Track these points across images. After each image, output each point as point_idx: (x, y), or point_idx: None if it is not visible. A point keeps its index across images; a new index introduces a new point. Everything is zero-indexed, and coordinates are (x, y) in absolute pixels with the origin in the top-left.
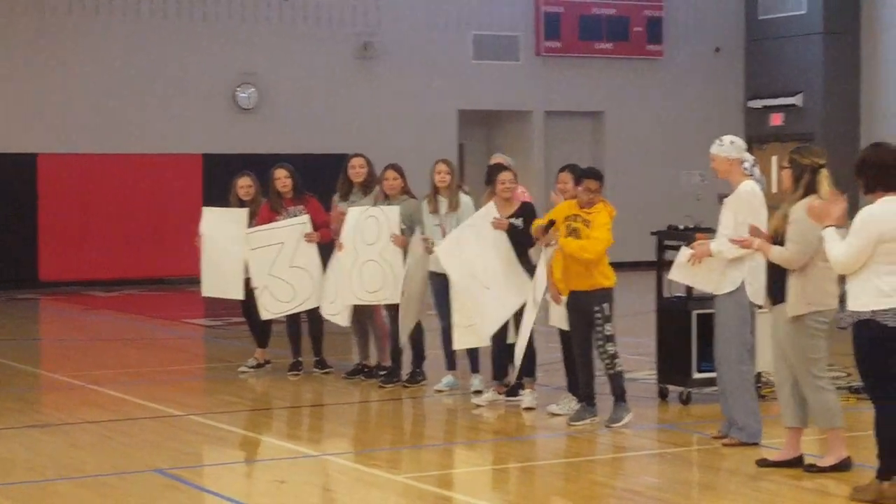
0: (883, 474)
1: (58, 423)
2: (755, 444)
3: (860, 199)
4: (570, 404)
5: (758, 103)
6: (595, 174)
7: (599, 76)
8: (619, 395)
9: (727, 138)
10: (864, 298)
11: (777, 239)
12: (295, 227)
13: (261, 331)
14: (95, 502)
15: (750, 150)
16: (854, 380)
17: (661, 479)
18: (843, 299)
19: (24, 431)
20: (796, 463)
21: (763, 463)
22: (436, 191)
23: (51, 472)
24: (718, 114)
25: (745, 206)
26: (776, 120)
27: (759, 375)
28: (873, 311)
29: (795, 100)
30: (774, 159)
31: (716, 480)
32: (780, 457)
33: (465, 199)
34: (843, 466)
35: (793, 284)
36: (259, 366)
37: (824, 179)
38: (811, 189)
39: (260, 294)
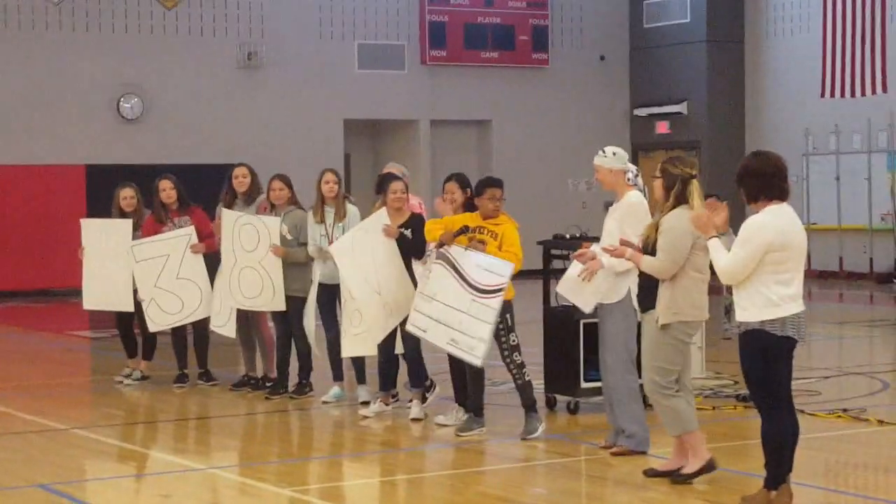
0: (770, 483)
1: None
2: (643, 452)
3: (747, 209)
4: (458, 415)
5: (643, 111)
6: (498, 183)
7: (485, 85)
8: (530, 406)
9: (609, 149)
10: (753, 309)
11: (648, 248)
12: (180, 238)
13: (145, 343)
14: None
15: (636, 158)
16: (741, 388)
17: (550, 490)
18: (729, 309)
19: None
20: (712, 466)
21: (651, 473)
22: (322, 200)
23: None
24: (604, 122)
25: (631, 216)
26: (662, 128)
27: None
28: (761, 322)
29: (681, 108)
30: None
31: (603, 491)
32: (667, 466)
33: (351, 209)
34: (708, 468)
35: (662, 294)
36: (134, 375)
37: (695, 190)
38: (682, 199)
39: (147, 306)
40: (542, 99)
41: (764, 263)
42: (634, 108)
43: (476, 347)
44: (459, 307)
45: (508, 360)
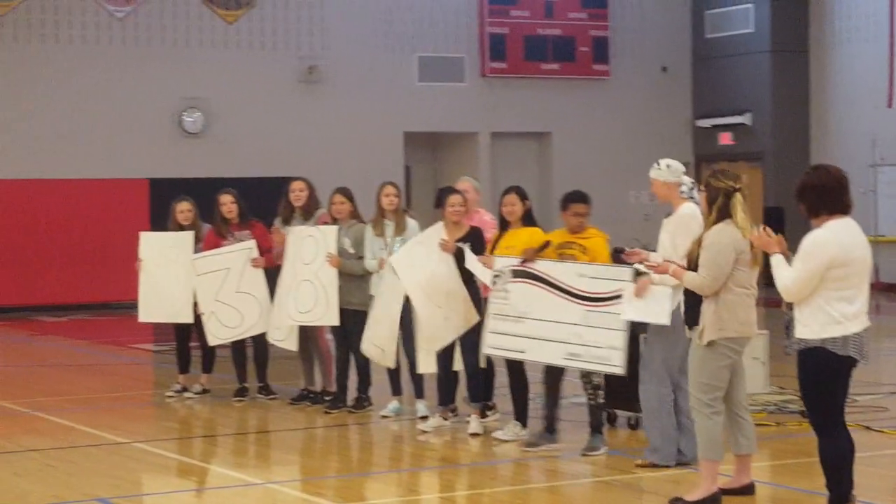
0: (834, 503)
1: (1, 451)
2: (667, 466)
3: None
4: (516, 430)
5: (706, 122)
6: (582, 198)
7: (546, 97)
8: (596, 427)
9: (664, 162)
10: (814, 326)
11: (692, 264)
12: (241, 252)
13: (205, 356)
14: None
15: (699, 169)
16: None
17: None
18: (789, 325)
19: None
20: (748, 490)
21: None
22: (382, 214)
23: None
24: (666, 133)
25: (682, 229)
26: (725, 139)
27: None
28: (822, 340)
29: (744, 119)
30: None
31: None
32: (730, 484)
33: (411, 223)
34: (712, 501)
35: (706, 310)
36: (195, 388)
37: (738, 203)
38: (725, 213)
39: (207, 320)
40: (603, 110)
41: (826, 280)
42: (697, 119)
43: (610, 357)
44: (571, 320)
45: (586, 380)
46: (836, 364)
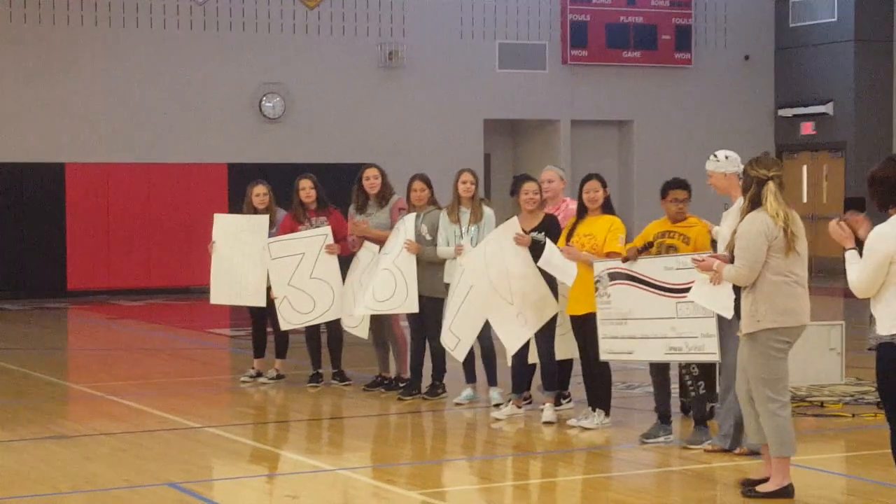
0: None
1: (73, 434)
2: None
3: None
4: (600, 419)
5: (788, 112)
6: (682, 184)
7: (627, 85)
8: (700, 420)
9: (721, 153)
10: (886, 321)
11: (732, 257)
12: (317, 237)
13: (278, 341)
14: None
15: (780, 158)
16: None
17: (682, 499)
18: (872, 319)
19: (39, 443)
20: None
21: (748, 483)
22: (459, 201)
23: (63, 485)
24: (748, 122)
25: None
26: (807, 129)
27: None
28: (893, 335)
29: (826, 108)
30: (805, 168)
31: (736, 500)
32: (760, 475)
33: (487, 212)
34: (784, 493)
35: (744, 301)
36: (270, 374)
37: (770, 193)
38: (757, 202)
39: (279, 304)
40: (684, 99)
41: (892, 274)
42: (779, 109)
43: (706, 345)
44: (666, 315)
45: (685, 371)
46: None
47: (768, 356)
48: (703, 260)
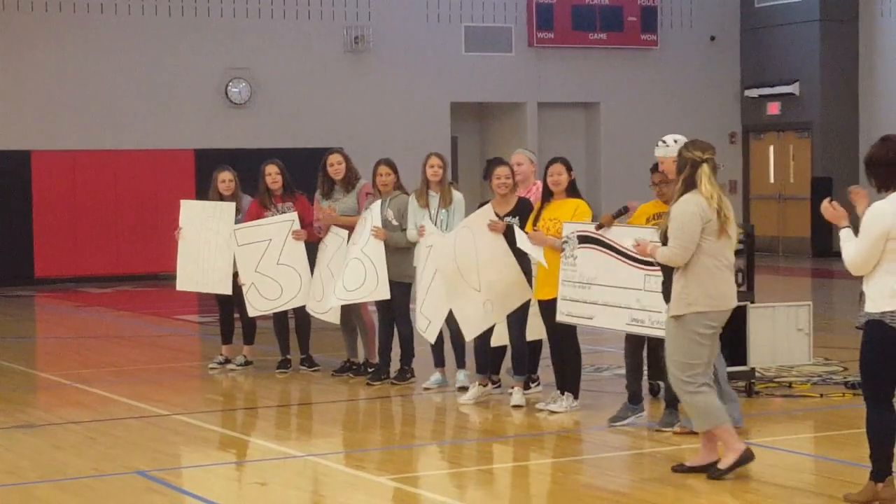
0: (877, 475)
1: (42, 423)
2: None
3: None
4: (568, 402)
5: (754, 92)
6: (657, 166)
7: (593, 67)
8: (671, 402)
9: (670, 138)
10: (878, 300)
11: (664, 239)
12: (283, 223)
13: (246, 328)
14: None
15: (748, 139)
16: (850, 375)
17: (649, 479)
18: (861, 299)
19: (7, 433)
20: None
21: (679, 468)
22: (427, 185)
23: (32, 474)
24: (714, 103)
25: None
26: (773, 109)
27: (752, 371)
28: (882, 313)
29: (792, 88)
30: (771, 149)
31: (697, 482)
32: (696, 461)
33: (457, 196)
34: (744, 460)
35: (675, 283)
36: (238, 360)
37: (704, 175)
38: (691, 184)
39: (247, 291)
40: (650, 80)
41: (887, 251)
42: (745, 89)
43: None
44: (633, 286)
45: (663, 353)
46: (893, 338)
47: (692, 340)
48: (640, 244)
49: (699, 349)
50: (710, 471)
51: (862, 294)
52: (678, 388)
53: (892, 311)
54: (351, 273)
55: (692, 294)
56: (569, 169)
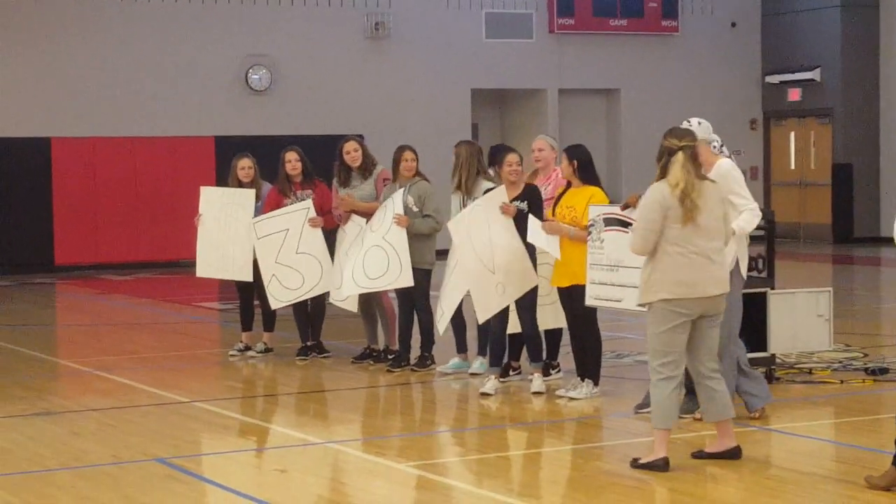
0: None
1: (61, 410)
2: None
3: None
4: (588, 389)
5: (775, 78)
6: None
7: (614, 53)
8: (691, 389)
9: (694, 120)
10: None
11: None
12: (298, 212)
13: (266, 315)
14: (93, 493)
15: (768, 125)
16: (870, 361)
17: (670, 467)
18: None
19: (27, 420)
20: (734, 454)
21: (699, 455)
22: (467, 176)
23: (51, 461)
24: (735, 89)
25: (730, 182)
26: (794, 95)
27: (773, 357)
28: None
29: (813, 74)
30: (792, 135)
31: (716, 466)
32: (714, 447)
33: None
34: (658, 467)
35: (642, 271)
36: (258, 347)
37: (677, 162)
38: (665, 172)
39: (268, 283)
40: (671, 67)
41: None
42: (766, 76)
43: None
44: None
45: None
46: None
47: (663, 329)
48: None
49: (669, 337)
50: (633, 460)
51: None
52: (651, 374)
53: None
54: (374, 261)
55: (657, 281)
56: (571, 158)
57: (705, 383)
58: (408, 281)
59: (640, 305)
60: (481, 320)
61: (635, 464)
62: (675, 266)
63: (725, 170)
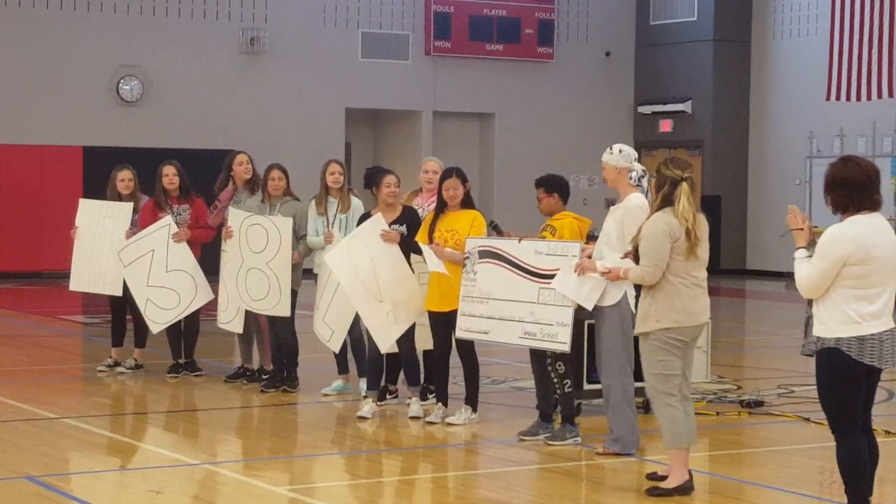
0: None
1: None
2: (629, 455)
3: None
4: (467, 414)
5: (647, 109)
6: (538, 182)
7: (489, 78)
8: (568, 417)
9: (616, 147)
10: (830, 325)
11: (636, 255)
12: (160, 230)
13: (137, 331)
14: None
15: (639, 155)
16: (744, 393)
17: (548, 495)
18: (808, 323)
19: None
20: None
21: (653, 476)
22: (327, 191)
23: None
24: (608, 118)
25: (630, 220)
26: (665, 126)
27: None
28: (837, 339)
29: (685, 106)
30: None
31: (599, 497)
32: (668, 484)
33: (355, 202)
34: (684, 490)
35: (642, 301)
36: (128, 363)
37: (683, 194)
38: (668, 201)
39: (144, 308)
40: (546, 93)
41: (843, 277)
42: (638, 106)
43: (559, 333)
44: (527, 299)
45: (551, 369)
46: (852, 367)
47: (663, 356)
48: (611, 270)
49: (672, 360)
50: (651, 489)
51: (809, 320)
52: (657, 399)
53: (847, 339)
54: (254, 281)
55: (659, 311)
56: (464, 181)
57: (680, 406)
58: (285, 311)
59: (639, 334)
60: (384, 351)
61: (655, 492)
62: (676, 296)
63: (631, 205)
